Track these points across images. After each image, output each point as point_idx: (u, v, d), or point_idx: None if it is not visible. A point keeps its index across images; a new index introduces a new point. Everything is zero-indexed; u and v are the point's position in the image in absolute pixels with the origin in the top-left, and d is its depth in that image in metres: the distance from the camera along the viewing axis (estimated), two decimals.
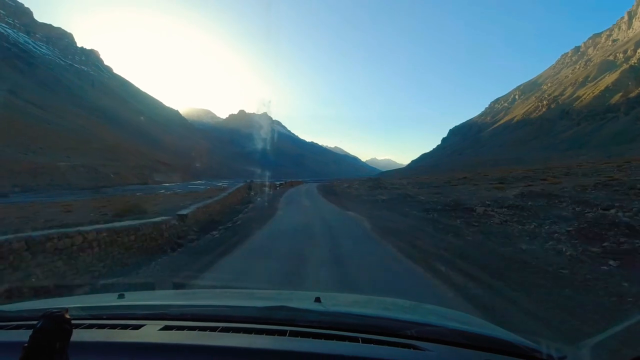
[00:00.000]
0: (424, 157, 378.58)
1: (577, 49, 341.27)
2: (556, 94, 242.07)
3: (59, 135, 77.18)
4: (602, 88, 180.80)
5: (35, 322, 0.72)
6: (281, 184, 48.91)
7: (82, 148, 71.34)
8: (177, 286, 4.68)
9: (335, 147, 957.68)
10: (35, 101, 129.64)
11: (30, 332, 0.70)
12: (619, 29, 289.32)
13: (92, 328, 1.07)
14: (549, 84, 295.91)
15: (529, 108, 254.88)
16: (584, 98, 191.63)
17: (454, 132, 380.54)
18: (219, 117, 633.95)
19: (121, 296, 1.51)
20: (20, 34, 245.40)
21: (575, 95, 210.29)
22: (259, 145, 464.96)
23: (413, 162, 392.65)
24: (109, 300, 1.58)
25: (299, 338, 0.99)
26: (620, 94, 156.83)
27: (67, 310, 0.75)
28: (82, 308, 1.29)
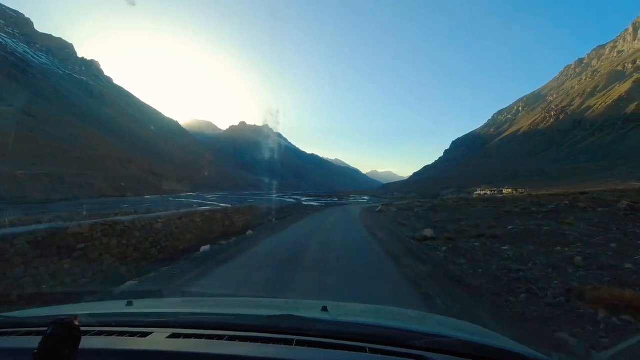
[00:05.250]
0: (426, 169, 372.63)
1: (581, 60, 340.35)
2: (564, 104, 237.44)
3: (37, 143, 70.55)
4: (615, 98, 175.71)
5: (45, 329, 0.73)
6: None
7: (59, 156, 64.68)
8: (185, 294, 4.57)
9: (336, 159, 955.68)
10: (27, 109, 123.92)
11: (40, 338, 0.71)
12: (624, 40, 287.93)
13: (100, 335, 1.08)
14: (554, 95, 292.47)
15: (536, 119, 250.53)
16: (596, 108, 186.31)
17: (457, 144, 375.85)
18: (220, 129, 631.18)
19: (130, 303, 1.50)
20: (20, 43, 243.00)
21: (585, 106, 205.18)
22: (258, 156, 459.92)
23: (415, 174, 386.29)
24: (117, 307, 1.59)
25: (305, 347, 0.98)
26: (636, 103, 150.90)
27: (76, 317, 0.76)
28: (91, 315, 1.29)
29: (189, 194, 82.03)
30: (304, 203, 55.76)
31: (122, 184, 49.01)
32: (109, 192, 50.15)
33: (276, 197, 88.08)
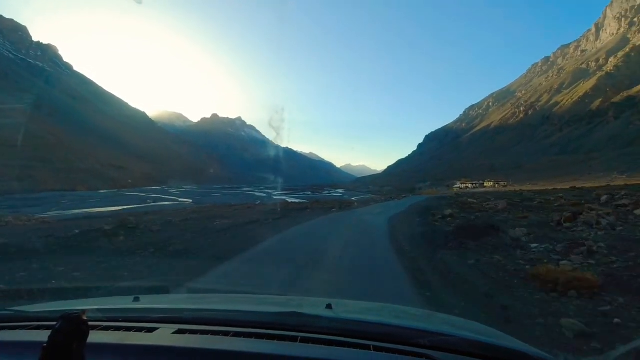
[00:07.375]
0: (400, 162, 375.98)
1: (547, 59, 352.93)
2: (532, 100, 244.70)
3: None
4: (581, 94, 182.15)
5: (54, 323, 0.74)
6: None
7: None
8: (191, 290, 4.64)
9: (311, 153, 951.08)
10: None
11: (49, 332, 0.73)
12: (587, 40, 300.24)
13: (108, 330, 1.10)
14: (523, 92, 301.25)
15: (506, 114, 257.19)
16: (563, 104, 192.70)
17: (430, 138, 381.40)
18: (191, 121, 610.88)
19: (136, 299, 1.53)
20: None
21: (552, 102, 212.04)
22: (231, 150, 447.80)
23: (389, 168, 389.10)
24: (124, 302, 1.61)
25: (310, 344, 0.99)
26: (601, 99, 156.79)
27: (84, 311, 0.77)
28: (99, 310, 1.32)
29: (152, 187, 75.83)
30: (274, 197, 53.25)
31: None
32: (56, 185, 43.82)
33: (247, 190, 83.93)
